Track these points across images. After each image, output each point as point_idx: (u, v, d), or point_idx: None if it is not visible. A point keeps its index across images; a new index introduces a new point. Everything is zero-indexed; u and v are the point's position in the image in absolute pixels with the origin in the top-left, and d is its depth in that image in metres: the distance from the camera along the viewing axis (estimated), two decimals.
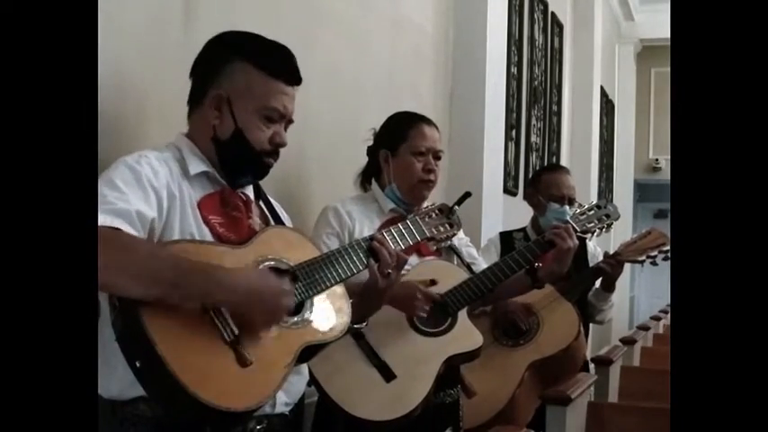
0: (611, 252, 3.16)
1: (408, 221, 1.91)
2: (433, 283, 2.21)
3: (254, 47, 1.66)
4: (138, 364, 1.41)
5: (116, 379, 1.47)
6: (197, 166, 1.62)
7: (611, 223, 2.55)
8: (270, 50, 1.67)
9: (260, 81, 1.62)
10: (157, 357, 1.37)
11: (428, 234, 1.93)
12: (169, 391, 1.39)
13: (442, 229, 1.98)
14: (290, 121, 1.69)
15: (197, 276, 1.43)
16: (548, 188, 3.23)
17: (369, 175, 2.38)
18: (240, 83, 1.62)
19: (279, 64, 1.65)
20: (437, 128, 2.34)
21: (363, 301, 1.84)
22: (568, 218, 3.04)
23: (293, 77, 1.67)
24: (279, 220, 1.76)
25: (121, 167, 1.52)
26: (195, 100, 1.67)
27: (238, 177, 1.67)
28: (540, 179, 3.34)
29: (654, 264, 3.02)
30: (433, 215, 1.98)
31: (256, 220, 1.69)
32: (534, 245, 2.36)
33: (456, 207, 2.02)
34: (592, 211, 2.52)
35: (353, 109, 2.94)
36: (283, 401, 1.65)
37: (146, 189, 1.51)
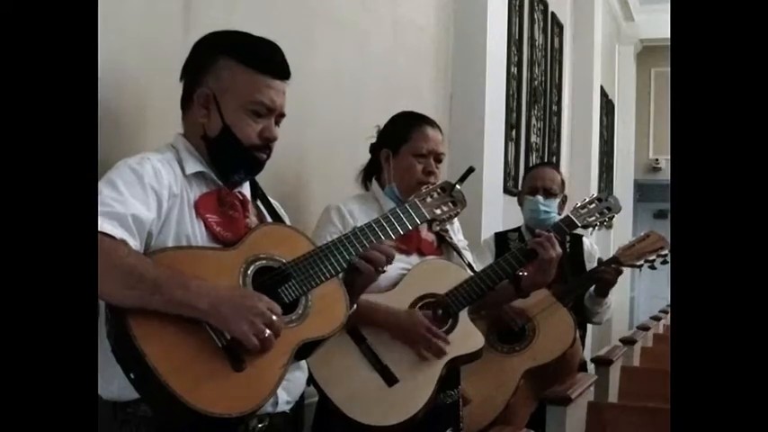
0: (610, 255, 3.15)
1: (407, 205, 1.86)
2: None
3: (239, 44, 1.66)
4: (132, 376, 1.42)
5: (117, 380, 1.47)
6: (193, 165, 1.63)
7: (613, 216, 2.53)
8: (254, 46, 1.66)
9: (245, 76, 1.62)
10: (149, 368, 1.38)
11: (428, 216, 1.88)
12: (164, 401, 1.39)
13: (445, 208, 1.93)
14: (282, 115, 1.68)
15: (178, 284, 1.43)
16: (526, 182, 3.29)
17: (370, 173, 2.38)
18: (225, 80, 1.62)
19: (263, 58, 1.65)
20: (440, 130, 2.33)
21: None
22: (539, 207, 3.02)
23: (279, 71, 1.66)
24: (278, 219, 1.75)
25: (123, 168, 1.53)
26: (186, 101, 1.67)
27: (231, 174, 1.66)
28: (524, 177, 3.42)
29: (652, 268, 3.00)
30: (435, 194, 1.93)
31: (253, 220, 1.69)
32: (519, 252, 2.31)
33: (458, 184, 1.97)
34: (593, 205, 2.50)
35: (353, 109, 2.94)
36: (285, 400, 1.65)
37: (146, 190, 1.51)
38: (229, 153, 1.63)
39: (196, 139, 1.65)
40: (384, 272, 1.77)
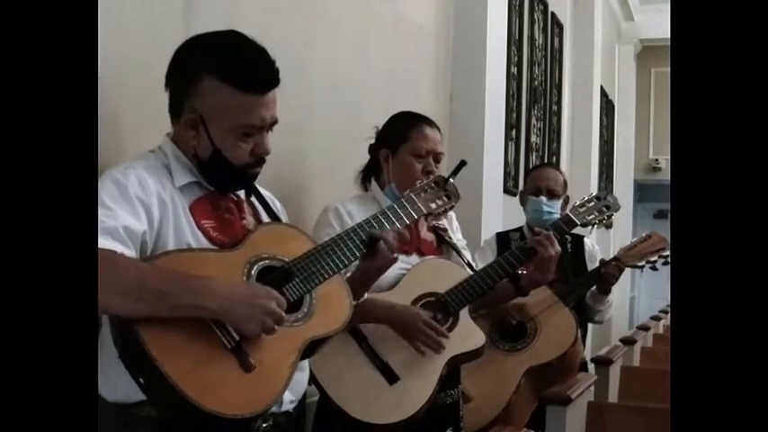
0: (610, 256, 3.15)
1: (404, 200, 1.88)
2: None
3: (223, 59, 1.56)
4: (141, 381, 1.42)
5: (121, 382, 1.47)
6: (183, 177, 1.60)
7: (612, 215, 2.54)
8: (239, 61, 1.57)
9: (231, 98, 1.55)
10: (159, 372, 1.38)
11: (425, 210, 1.90)
12: (175, 404, 1.39)
13: (440, 202, 1.95)
14: (274, 123, 1.63)
15: (183, 287, 1.43)
16: (529, 183, 3.30)
17: (369, 174, 2.38)
18: (212, 102, 1.55)
19: (249, 76, 1.56)
20: (439, 129, 2.33)
21: (359, 286, 1.87)
22: (543, 207, 3.00)
23: (267, 85, 1.59)
24: (273, 215, 1.73)
25: (107, 182, 1.50)
26: (173, 113, 1.62)
27: (225, 188, 1.66)
28: (526, 178, 3.43)
29: (654, 269, 3.01)
30: (429, 189, 1.95)
31: (250, 220, 1.68)
32: (518, 251, 2.33)
33: (451, 178, 1.99)
34: (591, 203, 2.51)
35: (353, 109, 2.94)
36: (288, 399, 1.65)
37: (133, 202, 1.49)
38: (222, 174, 1.62)
39: (188, 153, 1.62)
40: (396, 259, 1.83)
